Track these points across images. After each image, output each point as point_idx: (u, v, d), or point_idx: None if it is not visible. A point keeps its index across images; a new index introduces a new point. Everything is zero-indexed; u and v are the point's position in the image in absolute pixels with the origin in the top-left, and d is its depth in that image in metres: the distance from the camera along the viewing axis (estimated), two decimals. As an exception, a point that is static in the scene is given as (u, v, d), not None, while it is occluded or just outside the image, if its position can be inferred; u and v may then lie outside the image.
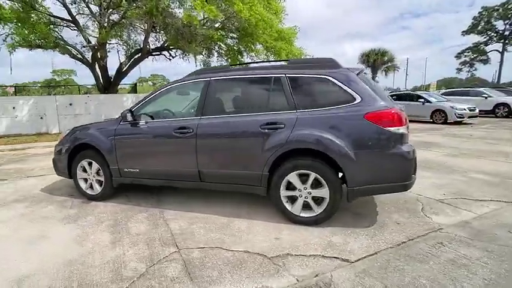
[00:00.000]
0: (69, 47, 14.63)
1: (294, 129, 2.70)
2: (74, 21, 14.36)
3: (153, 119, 3.42)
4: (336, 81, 2.69)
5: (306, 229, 2.74)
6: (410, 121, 3.08)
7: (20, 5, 12.18)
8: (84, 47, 14.84)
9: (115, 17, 14.76)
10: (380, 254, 2.27)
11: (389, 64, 35.27)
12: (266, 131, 2.79)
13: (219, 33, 14.42)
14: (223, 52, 15.54)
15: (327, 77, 2.73)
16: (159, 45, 16.57)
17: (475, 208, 3.16)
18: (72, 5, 14.12)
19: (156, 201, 3.61)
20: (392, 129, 2.51)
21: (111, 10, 13.88)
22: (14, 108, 11.89)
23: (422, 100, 12.88)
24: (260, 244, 2.49)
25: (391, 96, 14.95)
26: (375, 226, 2.77)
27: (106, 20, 13.80)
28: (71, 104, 13.27)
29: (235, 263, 2.20)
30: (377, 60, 34.43)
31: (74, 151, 3.70)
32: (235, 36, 14.97)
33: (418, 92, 14.51)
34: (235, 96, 3.21)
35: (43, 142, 9.66)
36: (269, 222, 2.91)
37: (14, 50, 11.95)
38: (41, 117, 12.32)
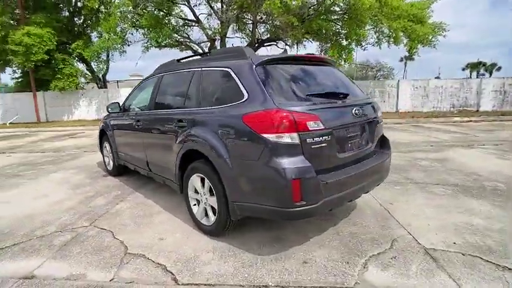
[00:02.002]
0: (191, 44, 17.98)
1: (191, 128, 2.59)
2: (197, 21, 17.43)
3: (142, 110, 4.04)
4: (233, 75, 2.34)
5: (201, 237, 2.62)
6: None
7: (161, 13, 16.17)
8: (200, 43, 17.88)
9: (231, 13, 16.88)
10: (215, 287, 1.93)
11: None
12: (177, 128, 2.80)
13: (321, 18, 13.76)
14: (328, 38, 14.66)
15: (227, 69, 2.42)
16: (269, 36, 17.70)
17: (472, 276, 1.96)
18: (195, 6, 17.22)
19: (142, 184, 4.27)
20: (268, 136, 1.97)
21: (228, 7, 15.92)
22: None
23: None
24: (142, 239, 2.62)
25: None
26: (271, 257, 2.27)
27: (225, 16, 15.99)
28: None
29: (100, 248, 2.48)
30: None
31: (101, 134, 4.90)
32: (338, 19, 13.82)
33: None
34: (170, 91, 3.30)
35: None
36: (185, 223, 2.93)
37: (148, 50, 16.06)
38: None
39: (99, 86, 18.71)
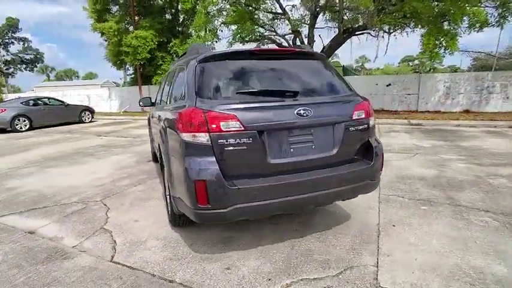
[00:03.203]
0: (275, 37, 18.43)
1: (162, 123, 2.84)
2: (284, 13, 17.70)
3: (157, 104, 4.57)
4: (185, 73, 2.45)
5: (165, 225, 2.87)
6: None
7: (249, 8, 17.19)
8: (284, 35, 18.06)
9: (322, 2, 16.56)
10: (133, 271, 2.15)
11: None
12: (159, 122, 3.11)
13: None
14: (427, 21, 12.41)
15: (184, 66, 2.55)
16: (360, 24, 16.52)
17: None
18: (282, -3, 17.43)
19: (168, 170, 4.86)
20: (183, 135, 2.03)
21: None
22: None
23: None
24: (123, 218, 3.07)
25: None
26: (203, 256, 2.33)
27: (312, 4, 15.82)
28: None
29: (89, 220, 3.04)
30: None
31: (148, 124, 5.77)
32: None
33: None
34: (167, 87, 3.58)
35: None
36: (166, 210, 3.24)
37: (232, 46, 17.26)
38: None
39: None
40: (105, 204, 3.48)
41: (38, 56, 36.01)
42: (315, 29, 17.97)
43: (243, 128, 1.96)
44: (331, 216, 2.99)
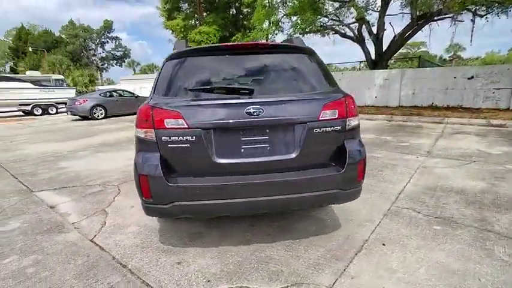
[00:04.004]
0: (338, 27, 17.54)
1: None
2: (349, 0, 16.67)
3: None
4: None
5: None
6: None
7: None
8: (349, 24, 16.95)
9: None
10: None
11: None
12: None
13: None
14: None
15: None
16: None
17: None
18: (348, -16, 16.44)
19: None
20: (136, 130, 2.14)
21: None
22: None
23: None
24: (125, 203, 3.41)
25: None
26: (165, 248, 2.44)
27: None
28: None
29: (99, 202, 3.47)
30: None
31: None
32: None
33: None
34: None
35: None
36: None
37: (291, 37, 16.95)
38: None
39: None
40: (119, 189, 3.90)
41: (126, 52, 41.70)
42: (393, 16, 16.40)
43: (186, 126, 1.97)
44: (318, 224, 2.77)
